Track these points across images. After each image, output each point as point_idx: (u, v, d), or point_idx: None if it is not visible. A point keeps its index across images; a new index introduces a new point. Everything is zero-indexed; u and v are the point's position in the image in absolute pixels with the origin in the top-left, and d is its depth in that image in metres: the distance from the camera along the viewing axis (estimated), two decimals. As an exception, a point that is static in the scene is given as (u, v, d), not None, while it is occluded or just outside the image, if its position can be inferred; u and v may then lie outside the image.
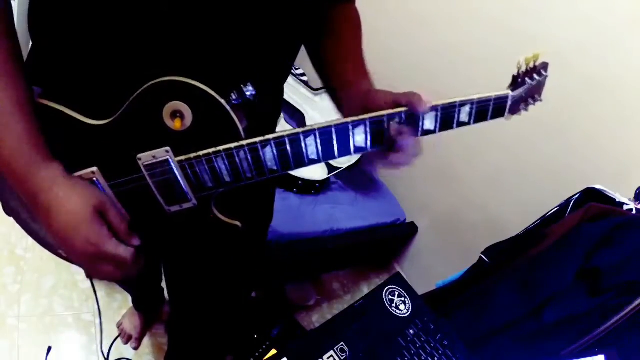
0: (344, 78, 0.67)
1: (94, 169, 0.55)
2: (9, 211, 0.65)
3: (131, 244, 0.55)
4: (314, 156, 0.57)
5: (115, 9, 0.50)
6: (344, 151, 0.58)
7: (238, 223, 0.65)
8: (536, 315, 0.91)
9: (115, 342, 1.44)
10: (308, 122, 1.93)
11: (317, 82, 2.00)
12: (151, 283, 1.41)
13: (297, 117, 1.96)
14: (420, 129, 0.59)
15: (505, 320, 0.94)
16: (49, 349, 1.31)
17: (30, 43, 0.58)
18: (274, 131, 0.80)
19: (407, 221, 1.90)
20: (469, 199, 1.62)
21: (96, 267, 0.54)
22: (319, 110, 1.93)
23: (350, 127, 0.56)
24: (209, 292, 0.93)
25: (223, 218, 0.63)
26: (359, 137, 0.57)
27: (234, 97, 0.55)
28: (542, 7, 1.26)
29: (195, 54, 0.55)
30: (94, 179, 0.55)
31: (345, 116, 0.62)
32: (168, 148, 0.54)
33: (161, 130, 0.54)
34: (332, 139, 0.56)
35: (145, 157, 0.55)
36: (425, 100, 0.56)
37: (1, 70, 0.49)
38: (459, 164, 1.64)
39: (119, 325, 1.49)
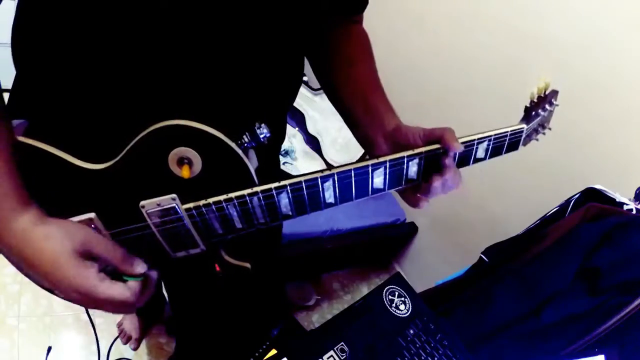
0: (371, 114, 0.63)
1: (92, 215, 0.50)
2: None
3: (134, 273, 0.49)
4: (331, 200, 0.54)
5: (114, 40, 0.46)
6: (362, 193, 0.56)
7: (248, 265, 0.61)
8: (536, 315, 0.91)
9: (115, 342, 1.44)
10: (308, 122, 1.93)
11: (317, 82, 2.00)
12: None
13: (297, 117, 1.96)
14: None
15: (505, 320, 0.94)
16: (49, 349, 1.31)
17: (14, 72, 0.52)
18: (277, 156, 0.78)
19: (407, 221, 1.90)
20: (468, 199, 1.62)
21: (98, 308, 0.48)
22: (319, 110, 1.93)
23: (370, 170, 0.54)
24: (214, 309, 0.92)
25: (232, 261, 0.60)
26: (378, 179, 0.55)
27: (246, 140, 0.51)
28: (542, 8, 1.26)
29: (201, 93, 0.51)
30: (92, 226, 0.50)
31: (373, 153, 0.61)
32: (174, 195, 0.49)
33: (166, 177, 0.49)
34: (350, 183, 0.54)
35: (149, 205, 0.49)
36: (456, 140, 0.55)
37: None
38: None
39: (119, 325, 1.49)
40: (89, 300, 0.46)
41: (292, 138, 1.90)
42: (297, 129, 1.94)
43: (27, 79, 0.52)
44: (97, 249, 0.47)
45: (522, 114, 0.67)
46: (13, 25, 0.50)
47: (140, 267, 0.49)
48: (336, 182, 0.53)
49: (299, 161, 1.84)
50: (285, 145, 1.72)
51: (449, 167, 0.56)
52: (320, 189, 0.53)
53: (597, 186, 1.01)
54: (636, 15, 1.07)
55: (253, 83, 0.55)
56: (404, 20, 1.74)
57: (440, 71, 1.63)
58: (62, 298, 0.56)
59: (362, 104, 0.64)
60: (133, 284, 0.48)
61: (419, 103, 1.69)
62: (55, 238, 0.45)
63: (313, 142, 1.92)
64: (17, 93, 0.53)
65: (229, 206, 0.51)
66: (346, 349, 0.76)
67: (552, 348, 0.87)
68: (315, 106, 1.96)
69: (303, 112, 1.95)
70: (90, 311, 1.50)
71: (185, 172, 0.48)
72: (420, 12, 1.67)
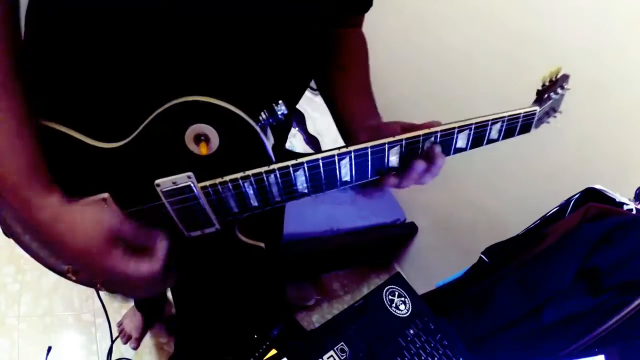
0: (353, 113, 0.66)
1: (105, 195, 0.49)
2: (8, 233, 0.60)
3: (158, 252, 0.50)
4: (347, 178, 0.55)
5: (129, 18, 0.46)
6: (378, 172, 0.56)
7: (262, 244, 0.61)
8: (536, 315, 0.91)
9: (115, 342, 1.44)
10: (308, 122, 1.93)
11: (317, 82, 2.00)
12: None
13: (297, 117, 1.96)
14: (452, 147, 0.60)
15: (505, 320, 0.94)
16: (49, 349, 1.31)
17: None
18: (284, 142, 0.78)
19: (407, 221, 1.90)
20: (469, 199, 1.62)
21: (125, 290, 0.51)
22: (320, 110, 1.93)
23: (387, 148, 0.54)
24: (219, 301, 0.92)
25: (247, 240, 0.60)
26: (394, 158, 0.55)
27: (264, 117, 0.50)
28: (542, 8, 1.26)
29: (218, 72, 0.50)
30: (105, 206, 0.50)
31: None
32: (190, 173, 0.49)
33: (182, 154, 0.49)
34: (367, 161, 0.54)
35: (165, 184, 0.49)
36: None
37: (3, 84, 0.42)
38: (459, 163, 1.63)
39: (119, 325, 1.49)
40: (119, 281, 0.48)
41: (292, 138, 1.90)
42: (297, 129, 1.94)
43: (37, 61, 0.51)
44: (126, 232, 0.48)
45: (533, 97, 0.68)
46: (27, 10, 0.49)
47: (162, 242, 0.50)
48: (353, 159, 0.53)
49: (299, 161, 1.84)
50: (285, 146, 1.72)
51: (437, 154, 0.57)
52: (337, 167, 0.53)
53: (597, 186, 1.01)
54: (636, 15, 1.07)
55: (270, 62, 0.55)
56: (403, 20, 1.74)
57: (440, 70, 1.63)
58: (80, 281, 0.58)
59: (346, 109, 0.67)
60: (158, 261, 0.49)
61: (419, 103, 1.69)
62: (88, 220, 0.46)
63: (313, 142, 1.92)
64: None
65: (245, 184, 0.51)
66: (346, 349, 0.76)
67: (552, 348, 0.87)
68: (315, 106, 1.95)
69: (303, 112, 1.94)
70: (91, 311, 1.50)
71: (203, 149, 0.48)
72: (419, 11, 1.67)
